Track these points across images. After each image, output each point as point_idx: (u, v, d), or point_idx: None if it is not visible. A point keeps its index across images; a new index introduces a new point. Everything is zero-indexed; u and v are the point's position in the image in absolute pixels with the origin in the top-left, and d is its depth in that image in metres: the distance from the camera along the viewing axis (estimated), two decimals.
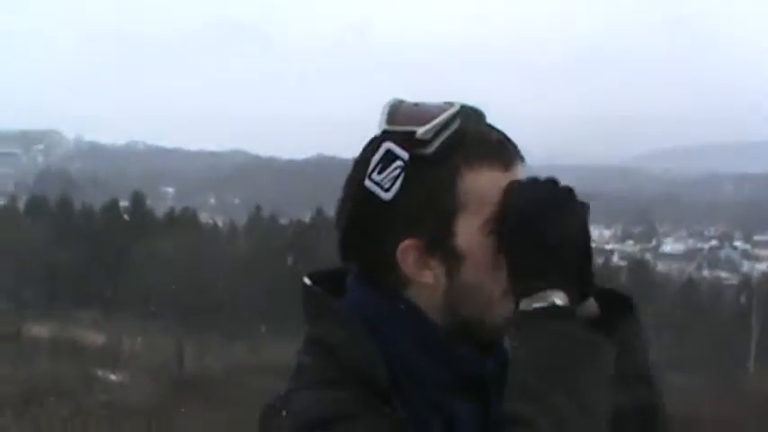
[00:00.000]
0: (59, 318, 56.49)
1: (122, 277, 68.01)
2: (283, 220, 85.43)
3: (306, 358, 1.72)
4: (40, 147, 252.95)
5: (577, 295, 1.72)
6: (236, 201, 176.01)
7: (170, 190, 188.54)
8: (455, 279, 1.71)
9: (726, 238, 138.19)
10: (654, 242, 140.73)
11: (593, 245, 1.77)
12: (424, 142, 1.70)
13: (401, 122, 1.72)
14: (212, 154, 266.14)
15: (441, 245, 1.69)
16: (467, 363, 1.74)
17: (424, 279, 1.70)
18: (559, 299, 1.63)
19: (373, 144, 1.75)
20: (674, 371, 41.98)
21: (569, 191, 1.71)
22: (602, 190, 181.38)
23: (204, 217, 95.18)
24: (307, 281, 1.80)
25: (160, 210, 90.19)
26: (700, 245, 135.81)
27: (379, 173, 1.71)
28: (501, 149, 1.74)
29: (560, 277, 1.64)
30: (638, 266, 77.04)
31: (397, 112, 1.74)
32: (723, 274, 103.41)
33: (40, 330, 50.44)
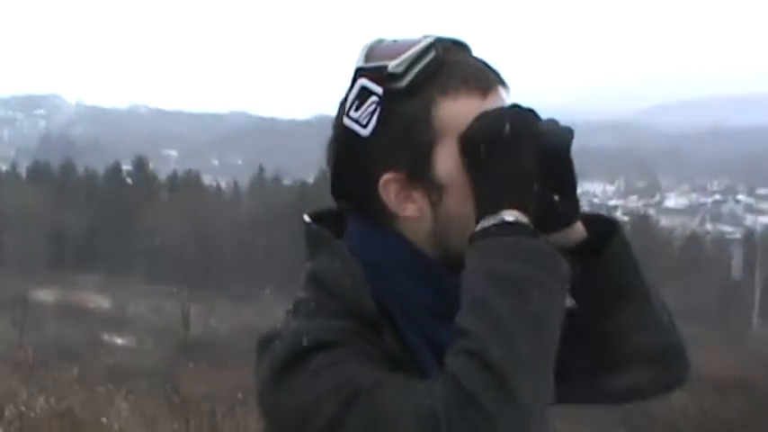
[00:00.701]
0: (64, 282, 56.57)
1: (127, 241, 68.08)
2: (287, 181, 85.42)
3: (302, 293, 1.74)
4: (42, 111, 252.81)
5: (551, 218, 1.74)
6: (239, 162, 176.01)
7: (173, 152, 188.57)
8: (439, 210, 1.72)
9: (729, 192, 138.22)
10: (657, 197, 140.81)
11: (577, 178, 1.78)
12: (397, 76, 1.69)
13: (376, 59, 1.72)
14: (214, 115, 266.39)
15: (421, 176, 1.69)
16: (457, 291, 1.70)
17: (408, 212, 1.71)
18: (511, 216, 1.62)
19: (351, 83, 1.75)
20: (678, 323, 42.10)
21: (527, 116, 1.68)
22: (605, 145, 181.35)
23: (207, 179, 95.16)
24: (306, 218, 1.83)
25: (163, 173, 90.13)
26: (703, 199, 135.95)
27: (356, 110, 1.72)
28: (478, 76, 1.72)
29: (514, 198, 1.64)
30: (642, 222, 76.90)
31: (373, 49, 1.75)
32: (726, 228, 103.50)
33: (45, 295, 50.47)
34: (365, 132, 1.70)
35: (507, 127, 1.65)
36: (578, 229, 1.80)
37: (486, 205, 1.64)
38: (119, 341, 39.26)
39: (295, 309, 1.72)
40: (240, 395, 15.52)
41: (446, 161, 1.68)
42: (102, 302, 52.33)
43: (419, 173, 1.69)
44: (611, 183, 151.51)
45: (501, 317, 1.53)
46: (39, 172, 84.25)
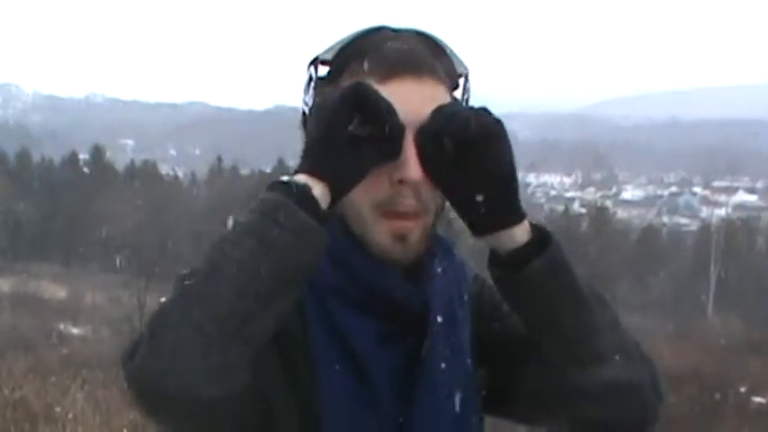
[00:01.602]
0: (20, 271, 56.12)
1: (83, 230, 67.63)
2: (245, 171, 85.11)
3: None
4: None
5: (474, 218, 1.73)
6: (197, 152, 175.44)
7: (130, 142, 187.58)
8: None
9: (685, 185, 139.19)
10: (614, 189, 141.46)
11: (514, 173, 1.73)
12: (326, 62, 1.80)
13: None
14: (171, 105, 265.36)
15: None
16: (366, 276, 1.76)
17: None
18: (293, 177, 1.64)
19: None
20: (634, 315, 42.31)
21: (351, 94, 1.64)
22: (561, 137, 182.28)
23: (165, 169, 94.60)
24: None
25: (120, 162, 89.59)
26: (659, 191, 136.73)
27: (306, 94, 1.83)
28: (386, 61, 1.73)
29: (306, 163, 1.65)
30: (599, 213, 77.13)
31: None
32: (682, 221, 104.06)
33: (0, 284, 50.13)
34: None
35: (331, 97, 1.66)
36: (513, 237, 1.74)
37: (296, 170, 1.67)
38: (74, 331, 39.03)
39: None
40: None
41: None
42: (57, 292, 51.95)
43: None
44: (569, 175, 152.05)
45: (204, 260, 1.59)
46: None
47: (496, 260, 1.76)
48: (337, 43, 1.80)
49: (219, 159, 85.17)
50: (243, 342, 1.54)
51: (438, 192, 1.76)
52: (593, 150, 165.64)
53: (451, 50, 1.84)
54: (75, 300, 49.27)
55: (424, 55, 1.77)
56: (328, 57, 1.79)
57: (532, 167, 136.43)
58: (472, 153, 1.67)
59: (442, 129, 1.68)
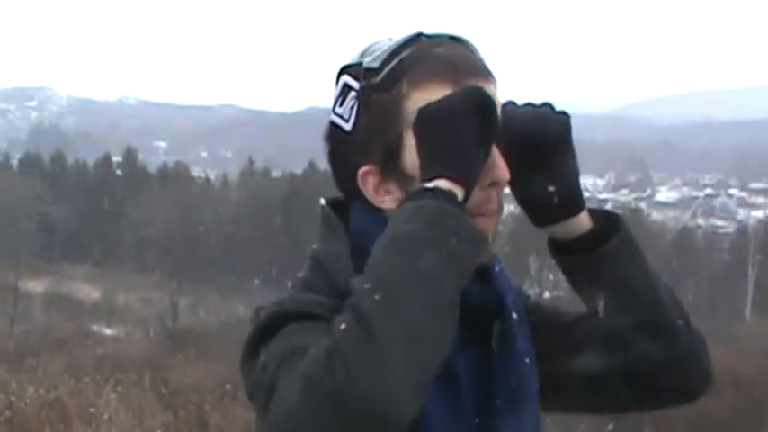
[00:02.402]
0: (54, 273, 56.68)
1: (116, 232, 68.19)
2: (276, 173, 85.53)
3: (301, 272, 1.77)
4: (33, 103, 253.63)
5: (546, 208, 1.80)
6: (228, 154, 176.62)
7: (162, 144, 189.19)
8: None
9: (721, 186, 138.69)
10: (648, 191, 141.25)
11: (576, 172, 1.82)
12: (374, 71, 1.73)
13: (364, 57, 1.76)
14: (203, 108, 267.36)
15: (393, 168, 1.71)
16: None
17: (385, 204, 1.73)
18: (437, 184, 1.61)
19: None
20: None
21: (481, 96, 1.64)
22: (595, 139, 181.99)
23: (197, 171, 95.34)
24: (322, 202, 1.85)
25: (153, 164, 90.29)
26: (695, 193, 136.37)
27: (340, 105, 1.77)
28: (450, 67, 1.71)
29: (446, 169, 1.62)
30: (633, 215, 76.93)
31: (366, 48, 1.78)
32: (718, 223, 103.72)
33: (35, 285, 50.56)
34: (347, 127, 1.75)
35: (453, 100, 1.64)
36: (580, 223, 1.83)
37: (423, 177, 1.64)
38: (108, 331, 39.30)
39: (292, 286, 1.77)
40: (228, 386, 15.57)
41: (413, 152, 1.68)
42: (91, 293, 52.41)
43: (392, 165, 1.71)
44: (602, 176, 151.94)
45: (384, 272, 1.55)
46: (30, 163, 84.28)
47: (563, 247, 1.84)
48: (379, 51, 1.75)
49: (251, 161, 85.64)
50: (436, 357, 1.55)
51: (516, 191, 1.83)
52: (628, 152, 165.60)
53: (480, 54, 1.82)
54: (108, 300, 49.68)
55: (480, 58, 1.78)
56: (375, 65, 1.73)
57: None
58: (548, 149, 1.77)
59: (519, 129, 1.75)
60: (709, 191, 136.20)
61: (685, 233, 76.17)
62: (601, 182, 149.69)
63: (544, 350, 1.88)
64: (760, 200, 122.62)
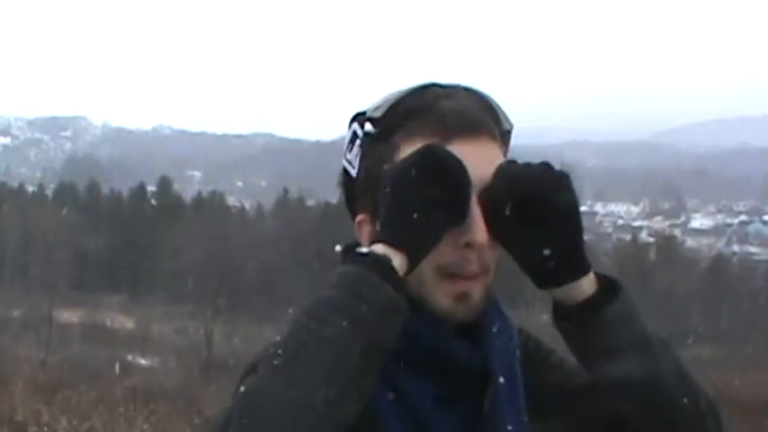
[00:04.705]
0: (89, 303, 56.88)
1: (151, 262, 68.37)
2: (311, 202, 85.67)
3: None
4: (68, 133, 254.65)
5: (540, 272, 1.72)
6: (263, 183, 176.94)
7: (197, 173, 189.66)
8: None
9: (755, 213, 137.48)
10: (682, 218, 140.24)
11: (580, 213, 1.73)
12: (375, 120, 1.75)
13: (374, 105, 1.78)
14: (238, 136, 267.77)
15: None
16: (425, 338, 1.71)
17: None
18: (374, 248, 1.61)
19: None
20: (705, 346, 41.82)
21: (424, 160, 1.62)
22: (629, 165, 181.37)
23: (231, 200, 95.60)
24: (338, 248, 1.85)
25: (187, 194, 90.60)
26: (729, 220, 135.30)
27: (350, 152, 1.80)
28: (444, 121, 1.70)
29: (386, 234, 1.62)
30: (667, 243, 76.86)
31: (382, 98, 1.79)
32: (753, 249, 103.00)
33: (70, 315, 50.77)
34: (353, 173, 1.79)
35: (404, 162, 1.64)
36: (581, 288, 1.73)
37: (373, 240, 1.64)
38: (142, 362, 39.36)
39: None
40: None
41: None
42: (125, 323, 52.60)
43: (378, 217, 1.69)
44: (636, 203, 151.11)
45: (291, 337, 1.57)
46: (64, 193, 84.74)
47: (562, 311, 1.75)
48: (386, 101, 1.76)
49: (285, 190, 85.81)
50: (333, 424, 1.52)
51: (498, 249, 1.74)
52: (661, 178, 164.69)
53: (498, 106, 1.81)
54: (142, 330, 49.83)
55: (480, 114, 1.74)
56: (377, 115, 1.75)
57: (599, 196, 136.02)
58: (540, 211, 1.67)
59: (508, 189, 1.67)
60: (743, 218, 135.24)
61: (720, 260, 75.73)
62: (635, 209, 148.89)
63: (550, 411, 1.84)
64: None
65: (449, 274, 1.69)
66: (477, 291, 1.72)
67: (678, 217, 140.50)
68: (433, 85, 1.77)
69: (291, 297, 63.19)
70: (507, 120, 1.81)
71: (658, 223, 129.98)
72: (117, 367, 31.99)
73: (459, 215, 1.66)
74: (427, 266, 1.68)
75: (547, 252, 1.69)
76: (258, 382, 1.53)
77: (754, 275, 73.14)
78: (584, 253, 1.72)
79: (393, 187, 1.62)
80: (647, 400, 1.71)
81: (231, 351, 40.88)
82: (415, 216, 1.61)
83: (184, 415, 18.24)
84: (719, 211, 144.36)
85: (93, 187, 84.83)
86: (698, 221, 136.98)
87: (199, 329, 43.47)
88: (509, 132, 1.81)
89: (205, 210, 77.82)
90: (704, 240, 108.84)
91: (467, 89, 1.78)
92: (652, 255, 70.78)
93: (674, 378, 1.73)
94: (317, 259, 65.05)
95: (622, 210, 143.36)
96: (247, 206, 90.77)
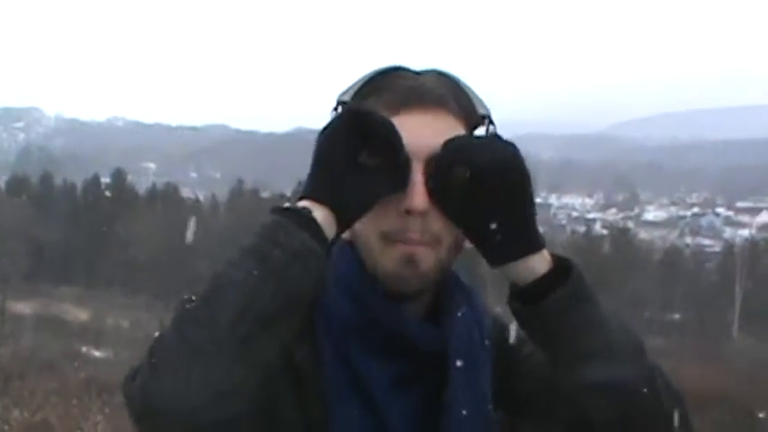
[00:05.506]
0: (43, 294, 56.42)
1: (105, 253, 67.90)
2: (265, 194, 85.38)
3: None
4: (21, 124, 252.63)
5: (488, 247, 1.70)
6: (218, 175, 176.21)
7: (151, 165, 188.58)
8: (352, 230, 1.73)
9: (708, 205, 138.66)
10: (636, 210, 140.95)
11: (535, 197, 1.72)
12: (345, 104, 1.76)
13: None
14: (192, 128, 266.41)
15: None
16: (384, 316, 1.72)
17: (344, 234, 1.70)
18: (297, 203, 1.63)
19: None
20: (657, 337, 42.12)
21: (349, 117, 1.65)
22: (584, 158, 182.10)
23: (186, 192, 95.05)
24: None
25: (142, 185, 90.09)
26: (682, 212, 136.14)
27: None
28: (396, 96, 1.72)
29: (309, 190, 1.64)
30: (621, 235, 77.19)
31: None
32: (706, 242, 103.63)
33: (23, 307, 50.36)
34: None
35: (330, 123, 1.66)
36: (531, 266, 1.70)
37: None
38: (96, 353, 39.12)
39: None
40: None
41: None
42: (79, 315, 52.23)
43: None
44: (590, 196, 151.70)
45: (209, 282, 1.58)
46: (18, 184, 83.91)
47: (515, 293, 1.72)
48: (355, 84, 1.78)
49: (240, 182, 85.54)
50: (244, 366, 1.51)
51: (453, 225, 1.72)
52: (616, 171, 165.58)
53: (472, 91, 1.80)
54: (97, 322, 49.52)
55: (436, 90, 1.74)
56: (346, 98, 1.77)
57: (554, 188, 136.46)
58: (485, 181, 1.64)
59: (453, 159, 1.66)
60: (696, 210, 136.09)
61: (673, 252, 76.23)
62: (589, 201, 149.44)
63: (524, 404, 1.84)
64: (746, 219, 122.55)
65: (392, 240, 1.70)
66: (424, 257, 1.70)
67: (632, 209, 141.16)
68: (402, 68, 1.79)
69: None
70: (482, 104, 1.80)
71: (612, 216, 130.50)
72: (72, 359, 31.80)
73: (397, 182, 1.67)
74: (372, 234, 1.71)
75: (493, 226, 1.67)
76: (169, 325, 1.55)
77: (706, 268, 73.73)
78: (535, 229, 1.70)
79: (318, 144, 1.64)
80: (604, 386, 1.66)
81: None
82: (340, 174, 1.63)
83: None
84: (673, 203, 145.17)
85: (46, 179, 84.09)
86: (651, 214, 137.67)
87: (153, 321, 43.23)
88: (485, 118, 1.80)
89: (159, 201, 77.43)
90: (657, 233, 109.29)
91: (439, 72, 1.79)
92: (606, 247, 71.07)
93: (631, 358, 1.69)
94: None
95: (577, 202, 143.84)
96: (202, 198, 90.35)
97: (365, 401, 1.70)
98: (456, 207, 1.69)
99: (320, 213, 1.61)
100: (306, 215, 1.59)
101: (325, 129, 1.65)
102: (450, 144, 1.67)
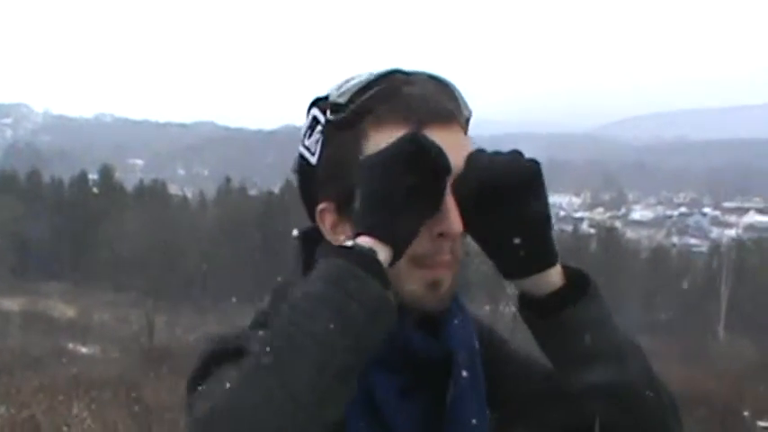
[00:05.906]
0: (30, 291, 56.30)
1: (92, 250, 67.80)
2: (253, 191, 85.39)
3: (263, 304, 1.75)
4: (9, 120, 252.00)
5: (511, 262, 1.69)
6: (206, 172, 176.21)
7: (139, 162, 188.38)
8: None
9: (695, 205, 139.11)
10: (623, 209, 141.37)
11: (549, 212, 1.70)
12: (339, 107, 1.70)
13: (334, 90, 1.73)
14: (180, 125, 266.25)
15: (348, 209, 1.65)
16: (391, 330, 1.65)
17: (340, 243, 1.64)
18: (358, 241, 1.57)
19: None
20: (643, 336, 42.18)
21: (410, 148, 1.58)
22: (571, 158, 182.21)
23: (173, 188, 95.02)
24: (294, 233, 1.83)
25: (129, 182, 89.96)
26: (669, 212, 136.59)
27: (308, 138, 1.75)
28: (410, 109, 1.67)
29: (370, 225, 1.58)
30: (608, 234, 77.25)
31: (341, 82, 1.74)
32: (692, 241, 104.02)
33: (10, 304, 50.21)
34: (313, 160, 1.73)
35: (386, 152, 1.59)
36: (549, 280, 1.71)
37: (354, 231, 1.60)
38: (83, 350, 39.02)
39: (252, 319, 1.74)
40: None
41: None
42: (67, 311, 52.11)
43: (346, 205, 1.65)
44: (578, 195, 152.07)
45: (281, 332, 1.50)
46: (5, 181, 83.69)
47: (529, 304, 1.73)
48: (349, 86, 1.71)
49: (228, 179, 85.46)
50: (321, 424, 1.48)
51: (474, 241, 1.72)
52: (603, 171, 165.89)
53: (459, 93, 1.78)
54: (84, 319, 49.40)
55: (447, 102, 1.72)
56: (341, 100, 1.70)
57: None
58: (513, 199, 1.64)
59: (480, 178, 1.64)
60: (683, 210, 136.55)
61: (659, 251, 76.36)
62: (576, 200, 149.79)
63: (512, 405, 1.84)
64: (733, 219, 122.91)
65: (423, 265, 1.67)
66: (447, 279, 1.70)
67: (619, 209, 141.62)
68: (397, 71, 1.74)
69: (232, 286, 63.10)
70: (467, 106, 1.77)
71: (599, 215, 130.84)
72: (59, 355, 31.75)
73: (435, 205, 1.63)
74: (402, 258, 1.64)
75: (517, 241, 1.66)
76: (245, 378, 1.49)
77: (692, 267, 73.86)
78: (553, 243, 1.71)
79: (377, 178, 1.58)
80: (618, 397, 1.70)
81: (172, 339, 40.71)
82: (398, 206, 1.57)
83: (124, 403, 18.12)
84: (659, 203, 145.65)
85: (34, 175, 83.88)
86: (638, 213, 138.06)
87: (140, 318, 43.17)
88: (468, 120, 1.78)
89: (147, 198, 77.37)
90: (644, 232, 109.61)
91: (430, 76, 1.76)
92: (593, 246, 71.15)
93: (640, 369, 1.72)
94: (259, 248, 64.94)
95: (564, 201, 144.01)
96: (189, 195, 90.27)
97: (372, 413, 1.69)
98: (481, 226, 1.68)
99: (383, 254, 1.56)
100: (370, 257, 1.55)
101: (381, 157, 1.59)
102: (474, 162, 1.66)
